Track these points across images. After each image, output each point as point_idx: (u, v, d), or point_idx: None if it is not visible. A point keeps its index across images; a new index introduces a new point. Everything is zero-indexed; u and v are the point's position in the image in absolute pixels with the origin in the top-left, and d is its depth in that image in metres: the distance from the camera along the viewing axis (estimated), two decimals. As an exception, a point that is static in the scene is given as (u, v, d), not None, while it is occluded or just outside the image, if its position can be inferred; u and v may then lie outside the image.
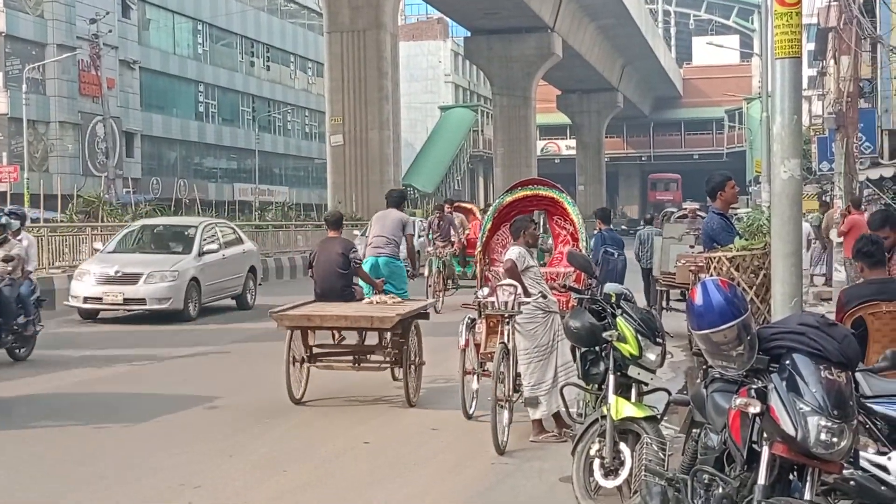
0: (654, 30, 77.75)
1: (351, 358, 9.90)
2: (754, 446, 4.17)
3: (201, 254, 16.98)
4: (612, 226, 14.30)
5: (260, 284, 19.38)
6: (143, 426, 8.55)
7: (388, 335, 9.53)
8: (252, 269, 18.74)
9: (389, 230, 11.99)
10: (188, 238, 17.43)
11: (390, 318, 9.22)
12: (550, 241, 11.17)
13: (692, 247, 14.01)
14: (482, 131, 78.39)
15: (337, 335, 10.35)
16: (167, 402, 9.56)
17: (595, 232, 14.08)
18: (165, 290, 15.94)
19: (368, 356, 9.91)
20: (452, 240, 18.82)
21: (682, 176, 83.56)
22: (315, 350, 9.77)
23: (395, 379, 10.42)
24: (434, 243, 18.61)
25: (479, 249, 9.50)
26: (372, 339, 10.25)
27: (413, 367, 9.54)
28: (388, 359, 9.66)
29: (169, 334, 14.69)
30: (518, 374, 8.05)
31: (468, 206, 21.26)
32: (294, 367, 9.49)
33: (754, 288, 7.25)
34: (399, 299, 10.35)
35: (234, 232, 19.00)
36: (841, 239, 18.59)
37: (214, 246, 17.39)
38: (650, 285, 16.03)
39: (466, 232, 19.39)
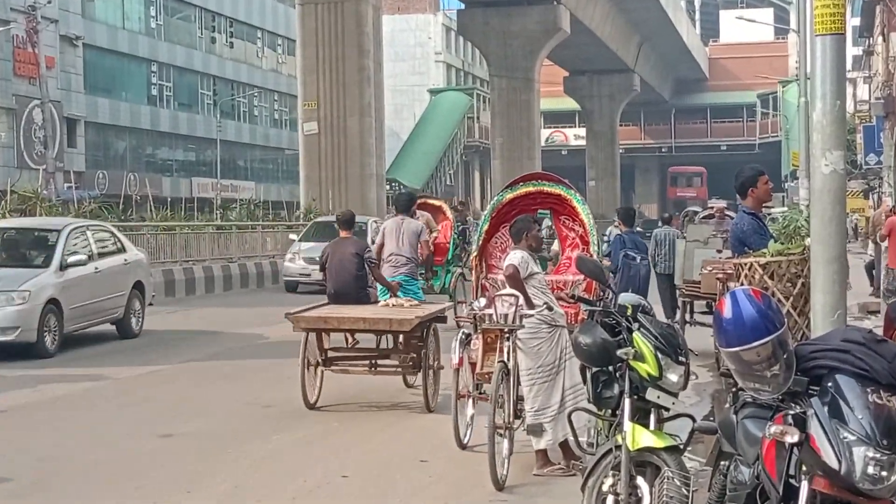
0: (676, 2, 77.95)
1: (367, 362, 10.81)
2: (791, 481, 4.16)
3: (64, 267, 14.77)
4: (635, 228, 14.36)
5: (150, 304, 17.42)
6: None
7: (405, 338, 10.44)
8: (138, 286, 16.61)
9: (407, 247, 12.64)
10: (49, 246, 15.10)
11: (409, 321, 10.07)
12: (556, 245, 11.18)
13: (719, 251, 14.03)
14: (478, 118, 78.44)
15: (350, 339, 11.25)
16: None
17: (607, 234, 14.11)
18: (12, 317, 13.83)
19: (384, 359, 10.84)
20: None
21: (708, 169, 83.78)
22: (330, 354, 10.73)
23: (408, 386, 11.31)
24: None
25: (475, 255, 9.51)
26: (375, 344, 11.27)
27: (431, 371, 10.32)
28: (406, 363, 10.52)
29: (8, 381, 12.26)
30: (520, 398, 8.05)
31: (436, 203, 19.90)
32: (308, 371, 10.46)
33: (791, 299, 7.27)
34: (416, 302, 11.34)
35: (113, 237, 16.86)
36: (886, 244, 18.62)
37: (82, 257, 15.13)
38: (670, 295, 16.06)
39: (434, 235, 17.86)
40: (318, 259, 20.89)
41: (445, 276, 17.71)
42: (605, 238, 14.95)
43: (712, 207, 21.10)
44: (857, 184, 40.83)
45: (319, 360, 10.57)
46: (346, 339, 11.29)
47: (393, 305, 10.97)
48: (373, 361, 10.81)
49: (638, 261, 13.18)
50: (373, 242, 20.21)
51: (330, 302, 11.25)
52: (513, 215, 9.12)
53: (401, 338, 10.61)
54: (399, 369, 10.76)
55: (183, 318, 19.52)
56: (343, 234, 11.70)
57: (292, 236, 27.25)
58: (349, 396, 11.19)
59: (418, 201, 18.50)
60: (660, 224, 19.23)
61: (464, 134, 77.25)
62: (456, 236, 18.53)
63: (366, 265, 11.39)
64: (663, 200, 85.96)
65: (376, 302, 11.41)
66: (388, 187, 51.76)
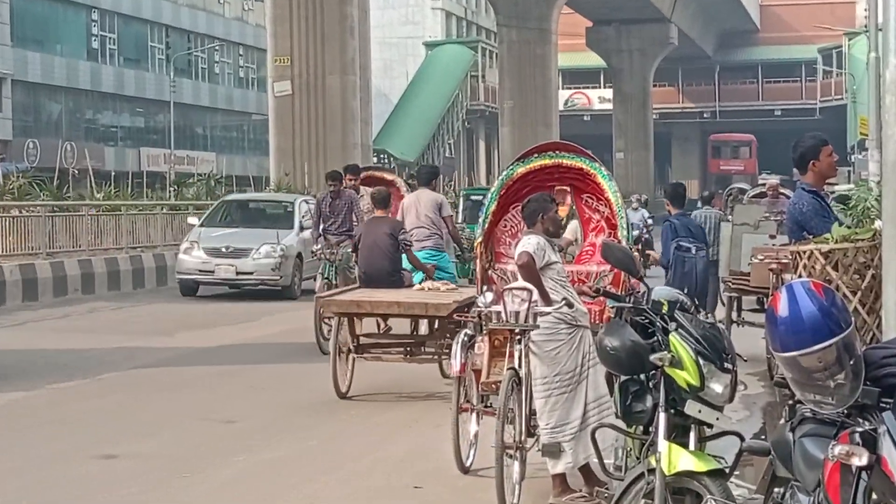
0: (721, -63, 77.87)
1: (402, 349, 11.82)
2: (859, 511, 4.16)
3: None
4: (686, 210, 14.18)
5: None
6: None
7: (442, 324, 11.23)
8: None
9: (427, 218, 14.00)
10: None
11: (447, 306, 10.87)
12: (573, 229, 11.16)
13: (773, 237, 14.03)
14: (483, 77, 78.37)
15: (382, 324, 12.74)
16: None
17: (641, 219, 14.06)
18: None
19: (418, 347, 11.83)
20: (355, 232, 16.15)
21: (758, 139, 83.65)
22: (363, 340, 11.74)
23: (444, 376, 11.94)
24: (324, 237, 16.51)
25: (480, 240, 9.51)
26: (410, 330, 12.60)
27: None
28: (442, 350, 11.18)
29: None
30: (533, 412, 8.05)
31: (387, 176, 18.94)
32: (340, 358, 11.61)
33: (859, 294, 7.26)
34: (452, 285, 12.26)
35: None
36: None
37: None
38: (712, 288, 16.03)
39: None
40: (223, 250, 22.09)
41: None
42: (646, 223, 14.84)
43: (764, 184, 21.10)
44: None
45: (351, 347, 11.56)
46: (378, 325, 12.81)
47: (428, 289, 11.77)
48: (408, 349, 11.84)
49: (693, 252, 13.07)
50: (301, 228, 20.50)
51: (362, 285, 12.60)
52: (525, 193, 9.10)
53: (437, 323, 11.57)
54: (435, 357, 11.66)
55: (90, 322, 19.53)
56: (378, 213, 13.06)
57: (192, 220, 25.10)
58: (380, 386, 11.97)
59: (365, 174, 18.46)
60: (699, 205, 19.17)
61: (466, 96, 77.22)
62: None
63: (400, 247, 12.59)
64: (705, 176, 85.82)
65: (410, 285, 12.56)
66: (375, 159, 51.76)
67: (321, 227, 16.52)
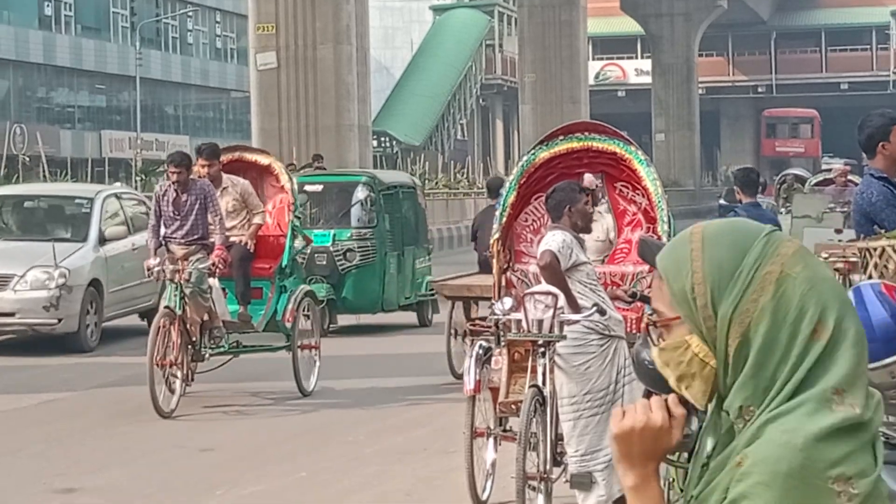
0: None
1: None
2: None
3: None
4: (761, 198, 14.13)
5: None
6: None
7: None
8: None
9: None
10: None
11: None
12: (607, 223, 11.15)
13: (840, 231, 14.00)
14: (501, 47, 78.29)
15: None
16: None
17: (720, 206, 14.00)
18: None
19: None
20: (212, 238, 13.52)
21: (821, 116, 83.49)
22: (478, 324, 12.15)
23: None
24: (165, 245, 13.48)
25: (497, 236, 9.50)
26: None
27: None
28: None
29: None
30: (560, 437, 8.05)
31: (262, 160, 15.55)
32: (455, 341, 13.32)
33: (940, 297, 7.25)
34: None
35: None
36: None
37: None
38: None
39: (257, 218, 14.33)
40: None
41: (278, 300, 14.23)
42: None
43: (829, 169, 21.07)
44: None
45: (467, 331, 12.29)
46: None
47: None
48: None
49: None
50: (103, 240, 17.19)
51: (480, 271, 14.17)
52: (550, 182, 9.10)
53: None
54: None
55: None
56: (493, 201, 13.92)
57: None
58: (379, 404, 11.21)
59: (226, 157, 15.12)
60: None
61: (481, 69, 77.17)
62: (297, 224, 14.92)
63: None
64: (759, 160, 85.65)
65: None
66: (375, 143, 51.81)
67: (161, 232, 13.48)
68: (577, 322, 7.92)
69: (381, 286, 18.74)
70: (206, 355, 13.20)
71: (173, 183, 13.39)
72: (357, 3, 39.16)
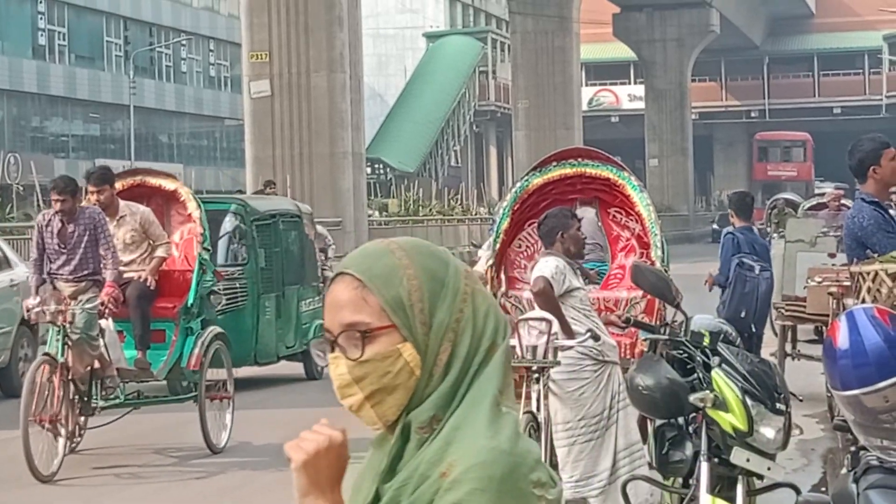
0: None
1: None
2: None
3: None
4: (753, 223, 14.15)
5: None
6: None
7: None
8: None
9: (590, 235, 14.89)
10: None
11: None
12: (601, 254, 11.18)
13: (833, 255, 14.03)
14: (494, 73, 78.44)
15: None
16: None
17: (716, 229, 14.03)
18: None
19: None
20: (104, 274, 11.84)
21: (815, 140, 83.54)
22: None
23: None
24: (50, 282, 11.91)
25: (490, 262, 9.51)
26: None
27: None
28: None
29: None
30: (555, 463, 8.05)
31: (167, 185, 13.82)
32: None
33: (932, 321, 7.26)
34: None
35: None
36: None
37: None
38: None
39: (161, 250, 12.73)
40: None
41: (183, 344, 12.62)
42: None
43: (821, 194, 21.11)
44: None
45: None
46: None
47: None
48: None
49: (756, 271, 13.07)
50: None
51: None
52: (543, 208, 9.12)
53: None
54: None
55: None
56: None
57: None
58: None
59: (127, 182, 13.62)
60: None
61: (474, 95, 77.29)
62: (205, 258, 13.25)
63: None
64: (752, 183, 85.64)
65: None
66: (369, 170, 51.83)
67: (46, 268, 11.91)
68: (571, 348, 7.94)
69: (253, 334, 15.96)
70: (98, 408, 11.58)
71: (58, 212, 11.75)
72: (350, 31, 39.25)
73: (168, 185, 13.66)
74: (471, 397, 2.20)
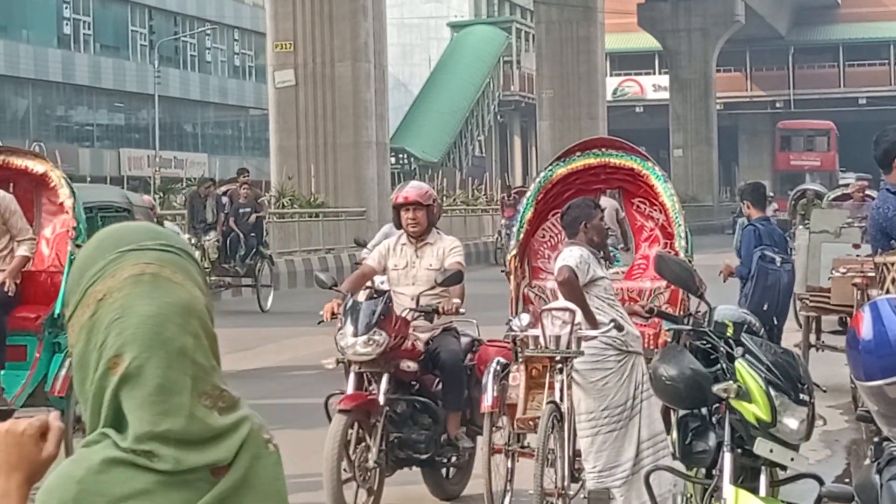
0: None
1: None
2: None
3: None
4: (771, 213, 14.15)
5: None
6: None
7: None
8: None
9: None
10: None
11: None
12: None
13: (857, 246, 13.98)
14: (518, 63, 78.35)
15: None
16: None
17: (737, 221, 14.00)
18: None
19: None
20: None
21: (840, 130, 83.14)
22: None
23: None
24: None
25: (514, 252, 9.50)
26: None
27: None
28: None
29: None
30: (578, 453, 8.04)
31: (34, 166, 11.02)
32: None
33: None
34: None
35: None
36: None
37: None
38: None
39: (24, 248, 10.48)
40: None
41: (48, 363, 10.12)
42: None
43: (846, 184, 21.05)
44: None
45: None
46: None
47: None
48: None
49: (778, 263, 13.01)
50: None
51: None
52: (567, 198, 9.10)
53: None
54: None
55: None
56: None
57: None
58: None
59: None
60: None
61: (498, 85, 77.20)
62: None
63: None
64: (774, 174, 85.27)
65: None
66: (393, 160, 51.84)
67: None
68: (594, 338, 7.93)
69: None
70: None
71: None
72: (375, 21, 39.24)
73: (37, 167, 10.85)
74: (103, 417, 2.11)
